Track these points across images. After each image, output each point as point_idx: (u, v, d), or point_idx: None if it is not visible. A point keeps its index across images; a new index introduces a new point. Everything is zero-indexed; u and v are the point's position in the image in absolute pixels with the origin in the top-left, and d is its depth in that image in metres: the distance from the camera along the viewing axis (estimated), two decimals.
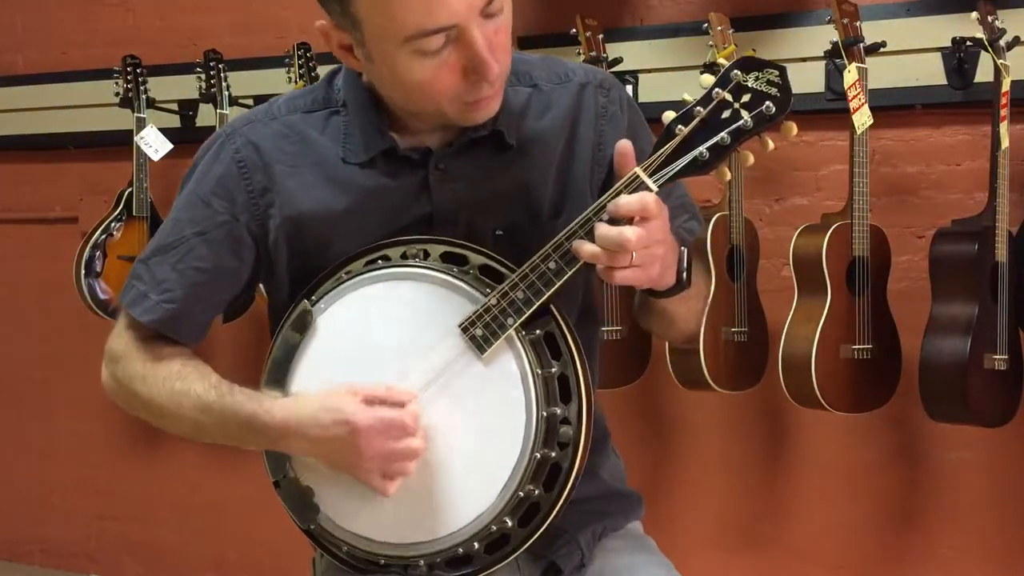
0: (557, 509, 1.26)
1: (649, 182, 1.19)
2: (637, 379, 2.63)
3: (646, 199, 1.17)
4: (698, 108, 1.18)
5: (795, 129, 1.19)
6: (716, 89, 1.18)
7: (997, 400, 2.29)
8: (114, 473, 3.54)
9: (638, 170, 1.19)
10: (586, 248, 1.18)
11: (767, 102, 1.16)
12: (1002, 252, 2.24)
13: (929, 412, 2.32)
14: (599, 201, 1.20)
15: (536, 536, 1.27)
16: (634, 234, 1.15)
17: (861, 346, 2.33)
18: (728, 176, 1.22)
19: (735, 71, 1.17)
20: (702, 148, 1.18)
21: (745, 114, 1.17)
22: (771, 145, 1.19)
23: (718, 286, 2.44)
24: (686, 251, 1.28)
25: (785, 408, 2.66)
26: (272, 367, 1.33)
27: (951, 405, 2.28)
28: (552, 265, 1.21)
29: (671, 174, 1.19)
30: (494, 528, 1.26)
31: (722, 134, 1.17)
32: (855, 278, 2.32)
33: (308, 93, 1.38)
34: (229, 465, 3.35)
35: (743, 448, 2.80)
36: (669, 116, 1.20)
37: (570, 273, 1.22)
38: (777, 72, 1.17)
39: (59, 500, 3.63)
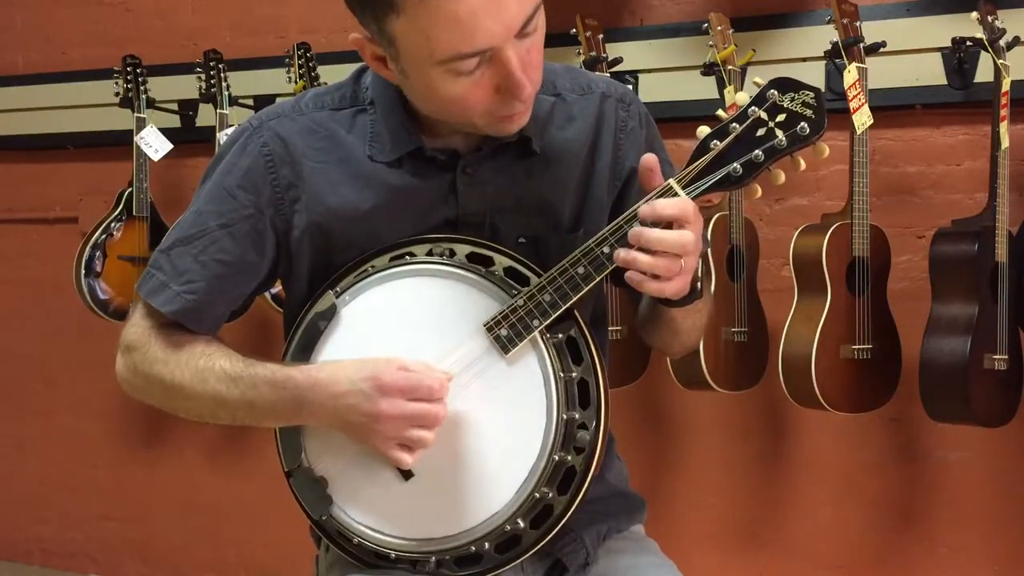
0: (569, 513, 1.27)
1: (682, 194, 1.20)
2: (637, 379, 2.63)
3: (686, 205, 1.18)
4: (734, 125, 1.20)
5: (827, 151, 1.21)
6: (752, 107, 1.20)
7: (997, 400, 2.29)
8: (114, 473, 3.53)
9: (672, 182, 1.21)
10: (643, 259, 1.17)
11: (802, 123, 1.18)
12: (1002, 252, 2.24)
13: (929, 412, 2.32)
14: (632, 210, 1.21)
15: (547, 539, 1.28)
16: (689, 238, 1.16)
17: (861, 346, 2.33)
18: (758, 193, 1.23)
19: (771, 91, 1.19)
20: (736, 164, 1.20)
21: (780, 133, 1.19)
22: (803, 165, 1.21)
23: (718, 286, 2.44)
24: (700, 261, 1.28)
25: (785, 408, 2.66)
26: (294, 355, 1.32)
27: (951, 405, 2.28)
28: (581, 270, 1.22)
29: (704, 187, 1.20)
30: (507, 528, 1.26)
31: (756, 151, 1.19)
32: (855, 278, 2.32)
33: (335, 90, 1.37)
34: (229, 466, 3.36)
35: (743, 448, 2.80)
36: (704, 131, 1.21)
37: (597, 279, 1.23)
38: (813, 94, 1.19)
39: (59, 500, 3.63)
